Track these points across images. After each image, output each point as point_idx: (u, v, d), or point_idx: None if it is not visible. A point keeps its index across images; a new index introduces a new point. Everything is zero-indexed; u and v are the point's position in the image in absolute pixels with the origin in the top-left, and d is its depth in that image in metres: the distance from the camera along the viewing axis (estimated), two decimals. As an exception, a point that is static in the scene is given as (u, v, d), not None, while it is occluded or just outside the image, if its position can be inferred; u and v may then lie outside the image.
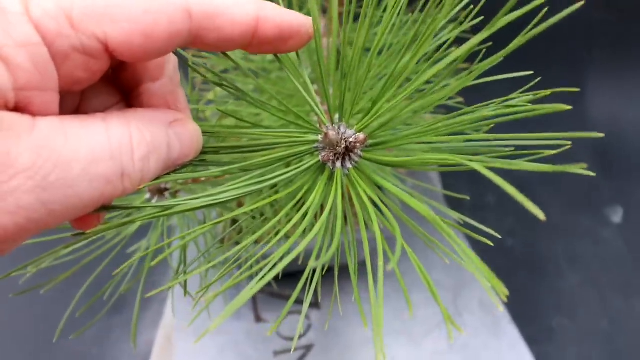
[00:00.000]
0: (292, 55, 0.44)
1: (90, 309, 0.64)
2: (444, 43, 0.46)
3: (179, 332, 1.03)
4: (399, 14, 0.42)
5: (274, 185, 0.43)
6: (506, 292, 0.29)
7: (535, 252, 1.20)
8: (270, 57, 0.82)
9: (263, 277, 0.31)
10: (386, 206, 0.41)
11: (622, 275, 1.17)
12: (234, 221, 0.92)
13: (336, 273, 0.50)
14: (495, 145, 0.40)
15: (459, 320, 1.06)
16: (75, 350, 1.04)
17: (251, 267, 0.37)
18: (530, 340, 1.03)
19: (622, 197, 1.31)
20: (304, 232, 0.38)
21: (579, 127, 1.41)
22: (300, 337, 1.03)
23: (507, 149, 0.39)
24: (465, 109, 0.40)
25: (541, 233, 1.23)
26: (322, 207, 0.41)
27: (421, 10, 0.58)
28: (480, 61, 0.39)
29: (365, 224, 0.40)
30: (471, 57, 0.41)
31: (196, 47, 0.36)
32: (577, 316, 1.10)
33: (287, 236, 0.39)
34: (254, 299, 1.10)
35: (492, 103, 0.39)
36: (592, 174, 0.33)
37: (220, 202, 0.38)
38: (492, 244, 0.44)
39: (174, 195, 0.66)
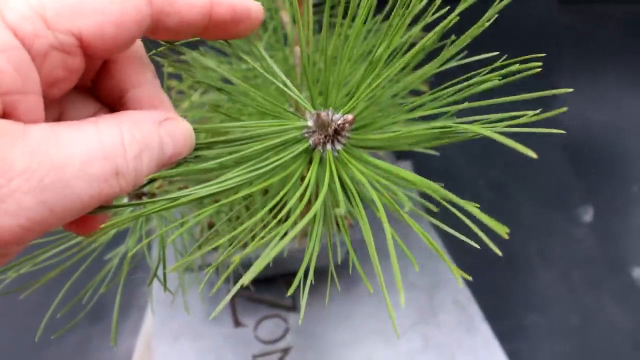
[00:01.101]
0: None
1: (70, 317, 0.64)
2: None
3: (158, 339, 1.04)
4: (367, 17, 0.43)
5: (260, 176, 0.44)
6: (507, 229, 0.29)
7: (508, 251, 1.22)
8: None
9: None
10: (379, 183, 0.42)
11: (593, 273, 1.19)
12: (212, 225, 0.92)
13: (329, 274, 0.51)
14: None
15: (435, 320, 1.07)
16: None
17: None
18: (503, 337, 1.05)
19: (593, 197, 1.35)
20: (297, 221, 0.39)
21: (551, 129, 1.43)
22: (279, 340, 1.04)
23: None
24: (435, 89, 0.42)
25: (514, 232, 1.24)
26: (306, 210, 0.42)
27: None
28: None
29: (363, 202, 0.41)
30: (437, 51, 0.42)
31: (157, 35, 0.37)
32: (549, 313, 1.12)
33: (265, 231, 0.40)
34: (232, 303, 1.10)
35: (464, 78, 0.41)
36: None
37: (224, 190, 0.39)
38: (469, 241, 0.45)
39: (152, 197, 0.67)
